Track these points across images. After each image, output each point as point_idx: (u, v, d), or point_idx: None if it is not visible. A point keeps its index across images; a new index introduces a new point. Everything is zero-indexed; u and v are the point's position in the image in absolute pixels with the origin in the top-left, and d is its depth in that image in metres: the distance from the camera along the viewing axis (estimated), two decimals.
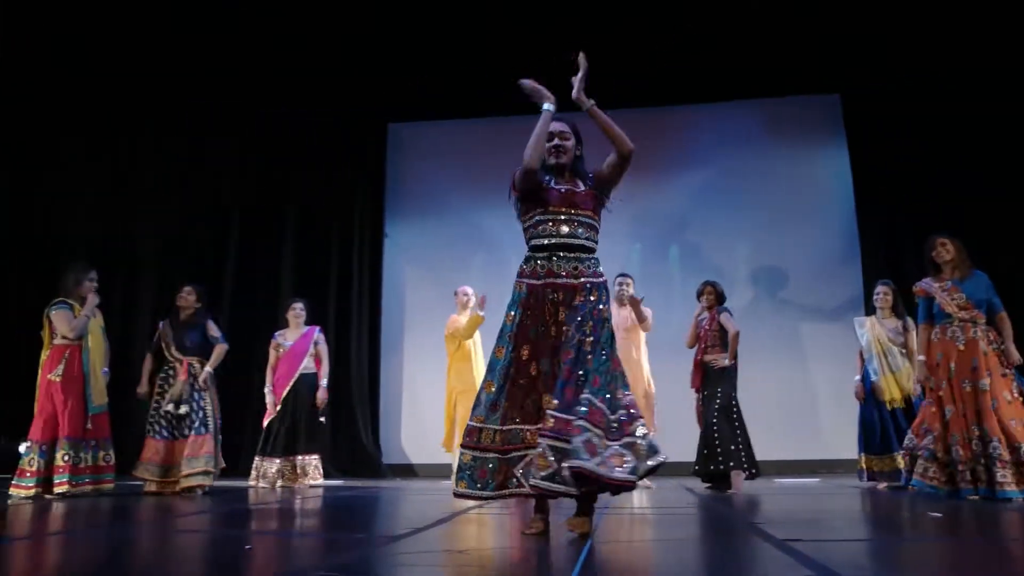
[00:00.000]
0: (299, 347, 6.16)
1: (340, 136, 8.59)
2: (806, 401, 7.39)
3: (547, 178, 2.83)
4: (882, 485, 5.19)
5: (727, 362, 5.33)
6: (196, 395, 5.28)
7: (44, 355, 4.95)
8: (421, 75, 8.17)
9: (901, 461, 5.15)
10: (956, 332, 4.26)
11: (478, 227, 8.37)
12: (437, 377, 6.32)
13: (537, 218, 2.77)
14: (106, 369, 5.14)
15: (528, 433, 2.62)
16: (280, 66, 8.11)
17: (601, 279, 2.76)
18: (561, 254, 2.72)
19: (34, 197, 7.49)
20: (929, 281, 4.43)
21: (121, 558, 2.39)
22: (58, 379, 4.83)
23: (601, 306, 2.69)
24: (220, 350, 5.46)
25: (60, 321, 4.89)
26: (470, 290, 6.13)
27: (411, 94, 8.34)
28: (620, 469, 2.41)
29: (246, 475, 6.19)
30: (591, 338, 2.60)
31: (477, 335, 5.96)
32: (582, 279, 2.69)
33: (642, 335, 5.79)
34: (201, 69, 8.03)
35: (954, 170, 7.25)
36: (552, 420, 2.49)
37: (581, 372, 2.55)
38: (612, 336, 2.71)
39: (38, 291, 6.93)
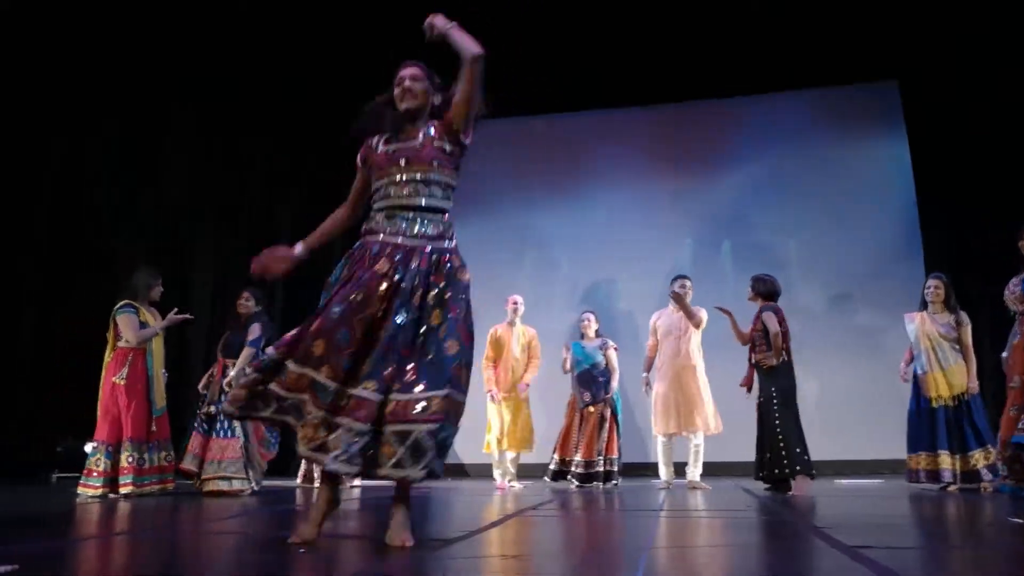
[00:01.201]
0: None
1: None
2: (867, 399, 7.15)
3: (382, 138, 2.57)
4: (954, 487, 4.98)
5: (774, 361, 5.19)
6: (224, 396, 5.21)
7: (108, 357, 5.04)
8: None
9: (947, 461, 4.98)
10: (1016, 328, 4.18)
11: (527, 226, 8.34)
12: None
13: (374, 184, 2.53)
14: (164, 371, 5.24)
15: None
16: (328, 64, 8.19)
17: (449, 244, 2.46)
18: (397, 214, 2.44)
19: (93, 198, 7.60)
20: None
21: (180, 559, 2.41)
22: (122, 382, 4.92)
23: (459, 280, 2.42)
24: (245, 353, 5.27)
25: (125, 325, 4.96)
26: (519, 299, 6.24)
27: None
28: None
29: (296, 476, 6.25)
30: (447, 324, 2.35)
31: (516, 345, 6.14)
32: (424, 243, 2.41)
33: (695, 339, 5.73)
34: (258, 69, 8.14)
35: (1021, 157, 6.93)
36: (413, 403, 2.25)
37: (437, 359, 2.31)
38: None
39: (100, 291, 7.11)
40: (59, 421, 6.83)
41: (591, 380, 5.91)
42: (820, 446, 6.77)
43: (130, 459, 4.79)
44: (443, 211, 2.50)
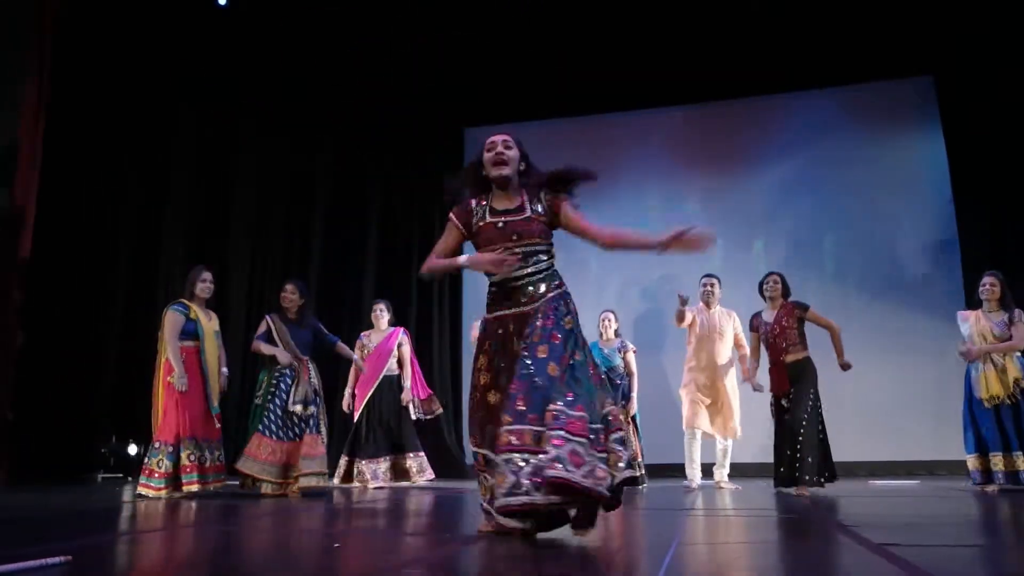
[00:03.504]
0: (383, 348, 6.16)
1: (419, 143, 8.75)
2: (901, 399, 7.07)
3: (483, 206, 2.75)
4: (991, 487, 4.91)
5: (845, 361, 5.07)
6: (316, 397, 5.23)
7: (161, 357, 4.94)
8: (495, 80, 8.25)
9: (1000, 462, 4.90)
10: None
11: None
12: None
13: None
14: (224, 369, 5.17)
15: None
16: (363, 77, 8.32)
17: (556, 292, 2.66)
18: (511, 286, 2.66)
19: (130, 197, 7.72)
20: None
21: (213, 556, 2.50)
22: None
23: (559, 319, 2.58)
24: (344, 348, 5.59)
25: (168, 322, 4.90)
26: None
27: (485, 99, 8.44)
28: (602, 482, 2.27)
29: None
30: (545, 346, 2.49)
31: None
32: (534, 305, 2.62)
33: (729, 339, 5.72)
34: (294, 74, 8.29)
35: None
36: (508, 435, 2.37)
37: (540, 382, 2.42)
38: (579, 343, 2.59)
39: (143, 292, 7.29)
40: (103, 423, 7.02)
41: (609, 383, 5.84)
42: (854, 447, 6.72)
43: (191, 457, 4.74)
44: (548, 270, 2.71)
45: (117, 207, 7.46)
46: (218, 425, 4.98)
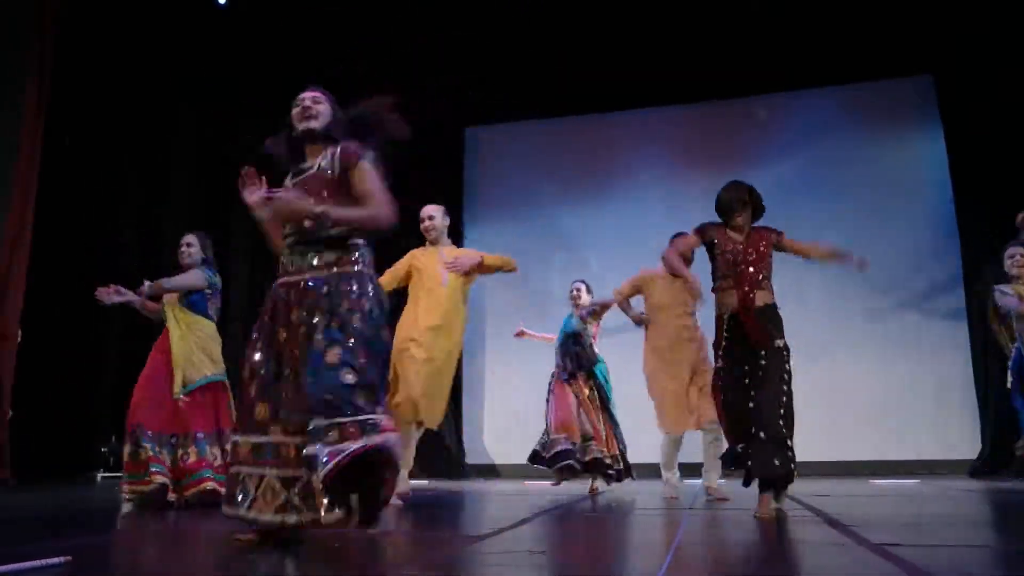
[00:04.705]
0: None
1: (419, 142, 8.73)
2: (901, 399, 7.06)
3: (288, 174, 2.55)
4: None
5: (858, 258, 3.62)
6: None
7: None
8: (495, 80, 8.25)
9: None
10: None
11: (557, 226, 8.38)
12: (518, 377, 6.28)
13: None
14: (199, 338, 4.68)
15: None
16: (363, 77, 8.31)
17: (345, 269, 2.37)
18: (295, 249, 2.41)
19: (130, 197, 7.71)
20: None
21: (212, 555, 2.50)
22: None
23: (346, 300, 2.30)
24: None
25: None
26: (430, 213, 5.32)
27: (485, 99, 8.44)
28: None
29: None
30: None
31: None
32: (307, 275, 2.36)
33: (694, 306, 4.61)
34: (294, 74, 8.27)
35: None
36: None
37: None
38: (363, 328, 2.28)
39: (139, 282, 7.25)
40: (103, 423, 7.01)
41: (568, 350, 5.38)
42: (855, 446, 6.73)
43: (129, 452, 4.35)
44: (338, 237, 2.42)
45: (117, 207, 7.45)
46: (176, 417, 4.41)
